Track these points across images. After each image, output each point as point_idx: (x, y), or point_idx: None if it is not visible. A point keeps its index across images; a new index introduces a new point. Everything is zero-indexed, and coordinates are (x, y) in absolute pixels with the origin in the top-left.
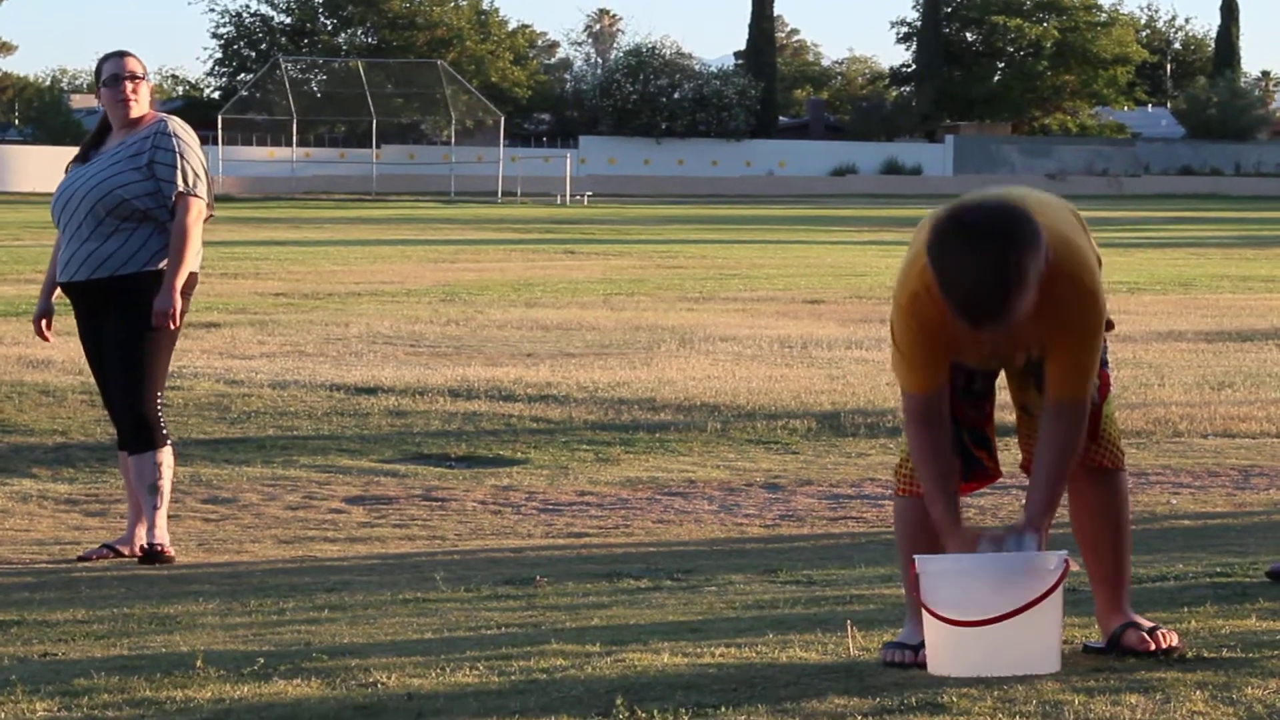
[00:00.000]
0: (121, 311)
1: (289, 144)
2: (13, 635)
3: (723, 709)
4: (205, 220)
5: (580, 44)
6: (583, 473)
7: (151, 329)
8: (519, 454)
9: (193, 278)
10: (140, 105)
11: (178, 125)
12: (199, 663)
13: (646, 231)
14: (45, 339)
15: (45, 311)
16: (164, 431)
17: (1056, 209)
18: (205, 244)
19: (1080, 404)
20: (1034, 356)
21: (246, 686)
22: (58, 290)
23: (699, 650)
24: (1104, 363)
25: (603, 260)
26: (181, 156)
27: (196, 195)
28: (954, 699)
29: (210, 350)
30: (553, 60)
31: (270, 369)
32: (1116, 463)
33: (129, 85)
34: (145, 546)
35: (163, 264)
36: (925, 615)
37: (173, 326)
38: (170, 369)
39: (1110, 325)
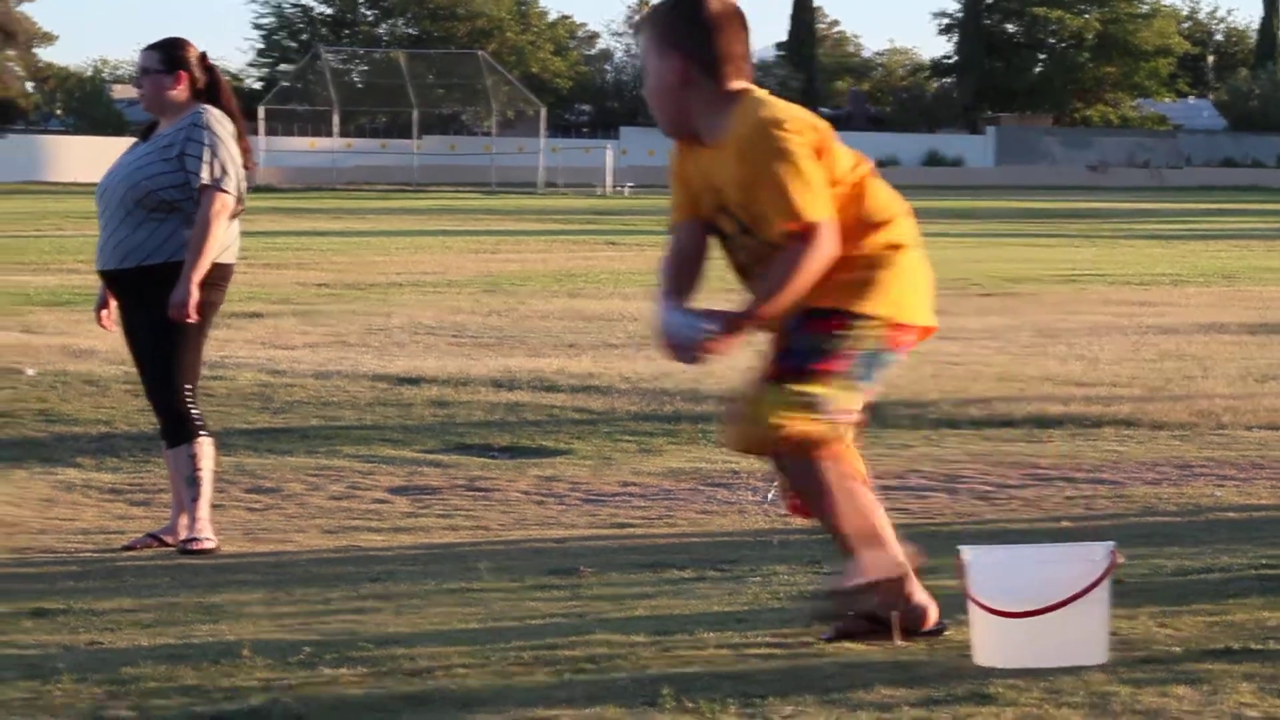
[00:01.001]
0: (147, 303)
1: (330, 134)
2: (59, 624)
3: (770, 699)
4: (234, 215)
5: (621, 35)
6: (626, 463)
7: (173, 321)
8: (562, 444)
9: (226, 270)
10: (166, 96)
11: (212, 117)
12: (246, 651)
13: None
14: (106, 329)
15: (103, 302)
16: (199, 423)
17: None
18: (246, 234)
19: (805, 229)
20: (735, 201)
21: (294, 675)
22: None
23: (745, 641)
24: (838, 348)
25: (644, 251)
26: (211, 149)
27: (222, 189)
28: (1001, 690)
29: (253, 340)
30: (593, 51)
31: (313, 359)
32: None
33: (146, 80)
34: (180, 541)
35: (185, 256)
36: (971, 606)
37: (189, 319)
38: (214, 358)
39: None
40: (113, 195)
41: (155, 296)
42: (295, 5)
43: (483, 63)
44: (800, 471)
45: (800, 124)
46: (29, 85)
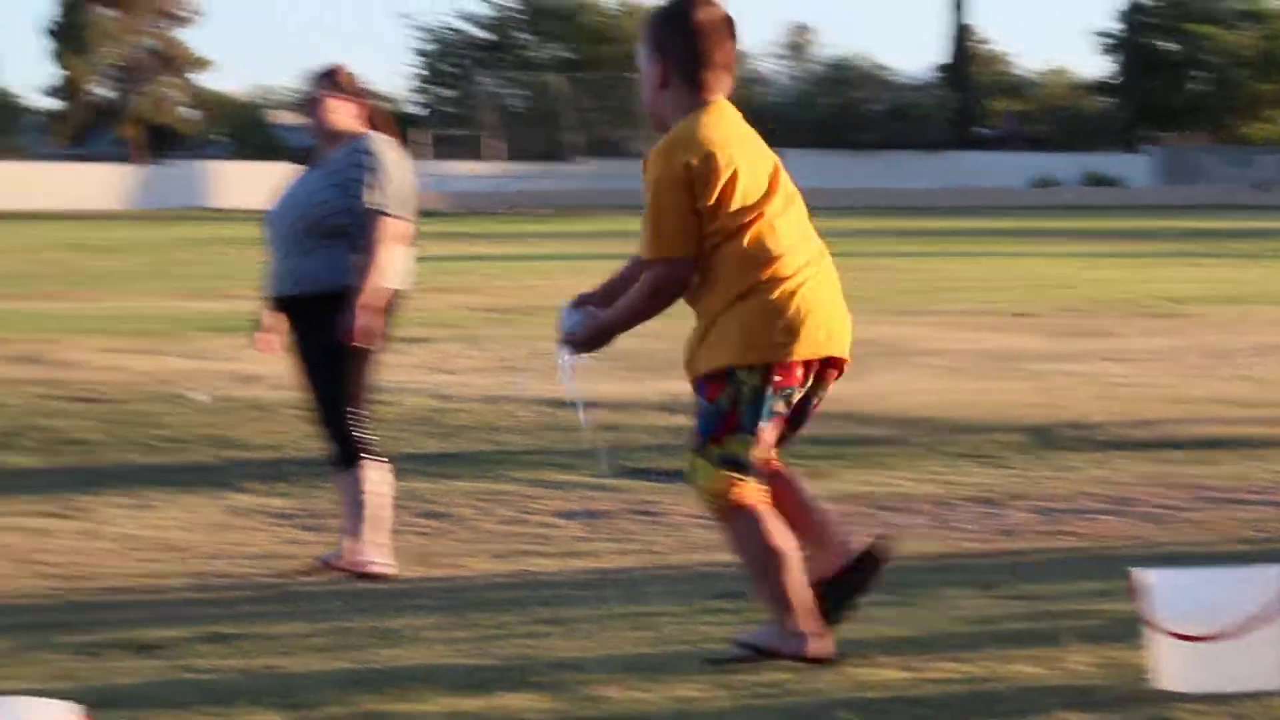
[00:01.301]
0: (318, 328)
1: (491, 158)
2: (235, 648)
3: None
4: (405, 239)
5: (777, 57)
6: None
7: (342, 346)
8: None
9: (395, 295)
10: (331, 122)
11: (378, 142)
12: (423, 676)
13: (847, 244)
14: (264, 353)
15: (264, 326)
16: (367, 448)
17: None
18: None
19: (646, 264)
20: None
21: (473, 700)
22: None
23: (921, 664)
24: (734, 408)
25: None
26: (376, 174)
27: (389, 213)
28: (1184, 715)
29: (419, 365)
30: (749, 73)
31: (480, 383)
32: (714, 511)
33: (311, 106)
34: (352, 565)
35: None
36: (1152, 630)
37: (360, 344)
38: (381, 383)
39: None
40: (282, 222)
41: (325, 321)
42: (454, 31)
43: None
44: (738, 535)
45: (687, 151)
46: (188, 111)
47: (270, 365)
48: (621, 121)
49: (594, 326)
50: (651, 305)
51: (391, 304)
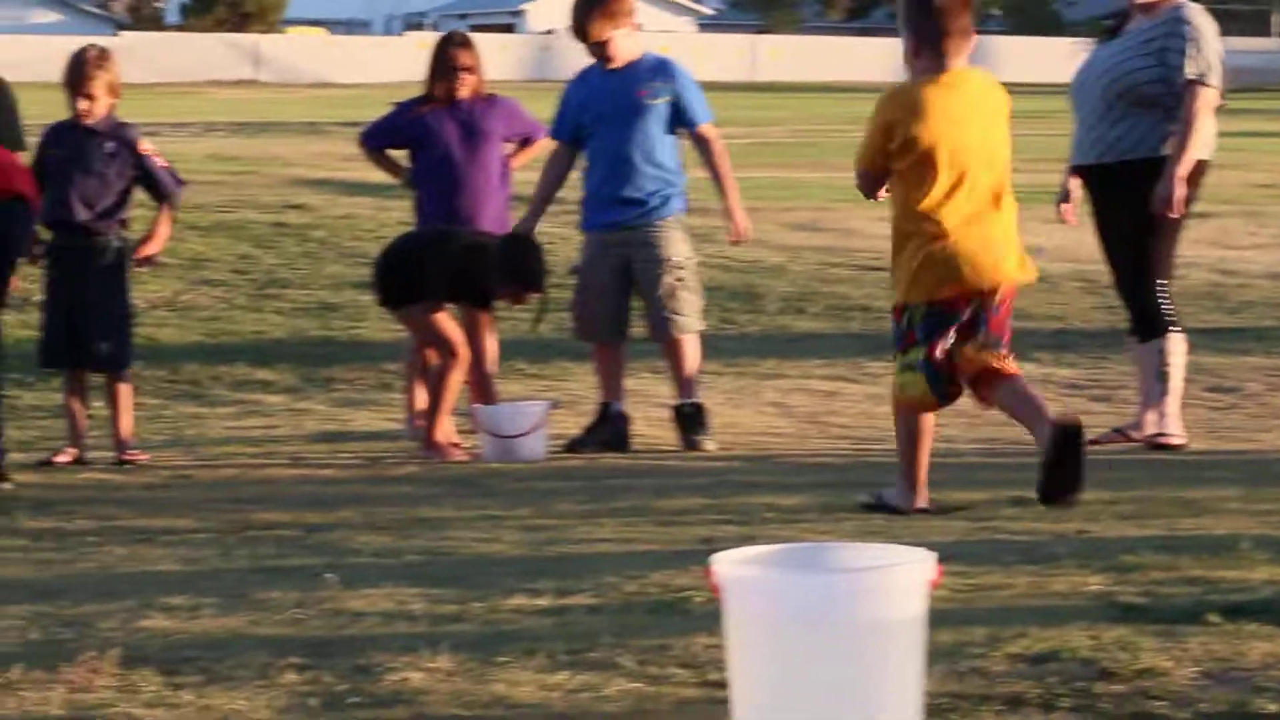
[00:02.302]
0: (1124, 197)
1: (1267, 34)
2: (1040, 513)
3: None
4: (1216, 109)
5: None
6: None
7: (1151, 216)
8: None
9: (1201, 166)
10: None
11: (1196, 12)
12: (1245, 545)
13: None
14: (1068, 223)
15: (1064, 196)
16: (1170, 319)
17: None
18: None
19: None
20: None
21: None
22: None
23: None
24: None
25: None
26: (1197, 43)
27: (1208, 84)
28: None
29: (1201, 240)
30: None
31: (1263, 260)
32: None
33: None
34: (1148, 436)
35: (1167, 150)
36: None
37: (1173, 214)
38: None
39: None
40: (1090, 91)
41: (1134, 190)
42: None
43: None
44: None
45: (886, 105)
46: None
47: (1053, 237)
48: None
49: None
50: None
51: (1198, 175)
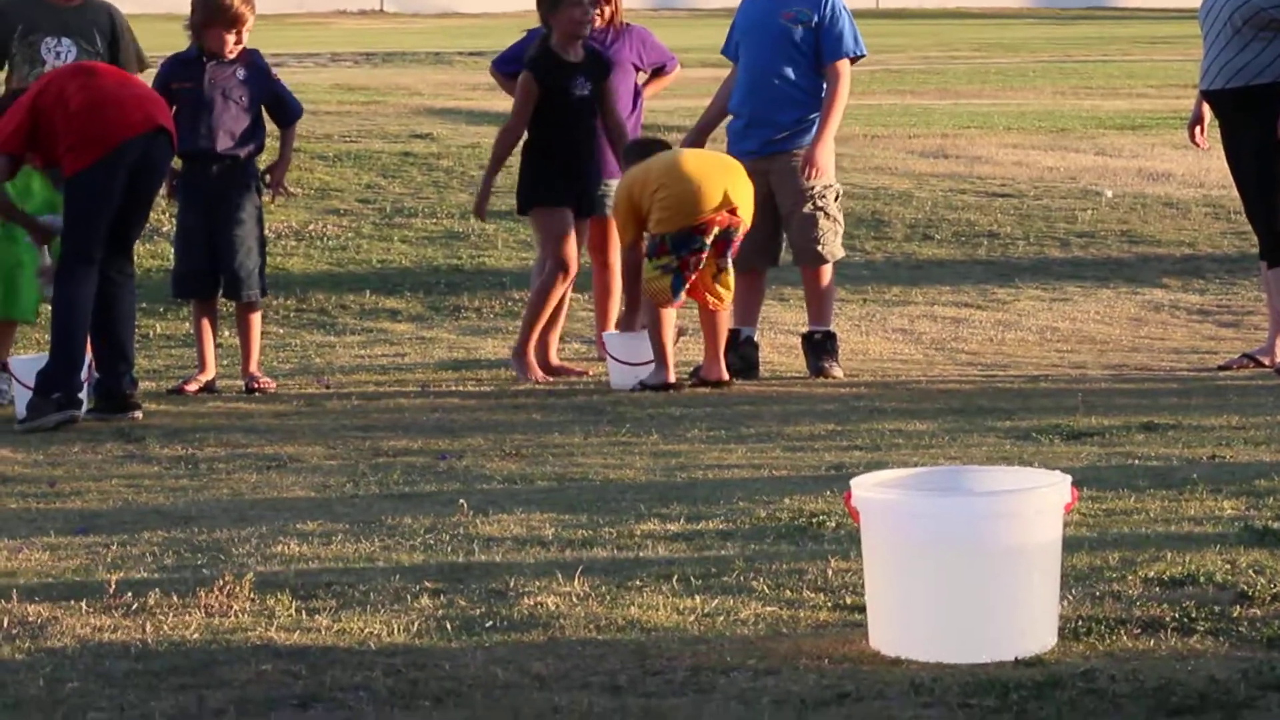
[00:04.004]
0: (1253, 122)
1: None
2: (1170, 438)
3: None
4: None
5: None
6: None
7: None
8: None
9: None
10: None
11: None
12: None
13: None
14: (1199, 146)
15: (1196, 119)
16: None
17: None
18: None
19: None
20: None
21: None
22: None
23: None
24: None
25: None
26: None
27: None
28: None
29: None
30: None
31: None
32: None
33: None
34: (1276, 362)
35: None
36: None
37: None
38: None
39: None
40: (1217, 17)
41: (1260, 115)
42: None
43: None
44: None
45: None
46: None
47: (1181, 163)
48: None
49: None
50: None
51: None
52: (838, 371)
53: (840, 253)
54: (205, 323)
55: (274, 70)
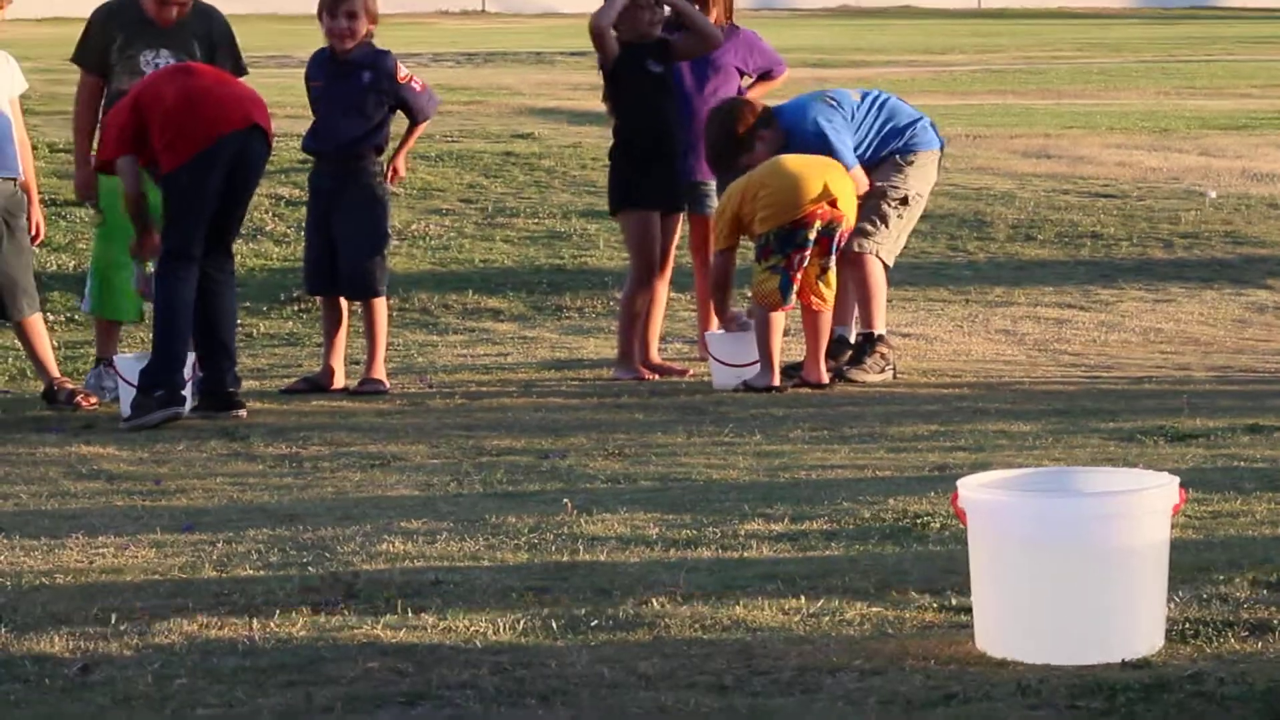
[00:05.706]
0: None
1: None
2: (1275, 440)
3: None
4: None
5: None
6: None
7: None
8: None
9: None
10: None
11: None
12: None
13: None
14: None
15: None
16: None
17: None
18: None
19: None
20: None
21: None
22: None
23: None
24: None
25: None
26: None
27: None
28: None
29: None
30: None
31: None
32: None
33: None
34: None
35: None
36: None
37: None
38: None
39: None
40: None
41: None
42: None
43: None
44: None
45: None
46: None
47: None
48: None
49: None
50: None
51: None
52: (861, 376)
53: (880, 253)
54: (332, 320)
55: (403, 72)
